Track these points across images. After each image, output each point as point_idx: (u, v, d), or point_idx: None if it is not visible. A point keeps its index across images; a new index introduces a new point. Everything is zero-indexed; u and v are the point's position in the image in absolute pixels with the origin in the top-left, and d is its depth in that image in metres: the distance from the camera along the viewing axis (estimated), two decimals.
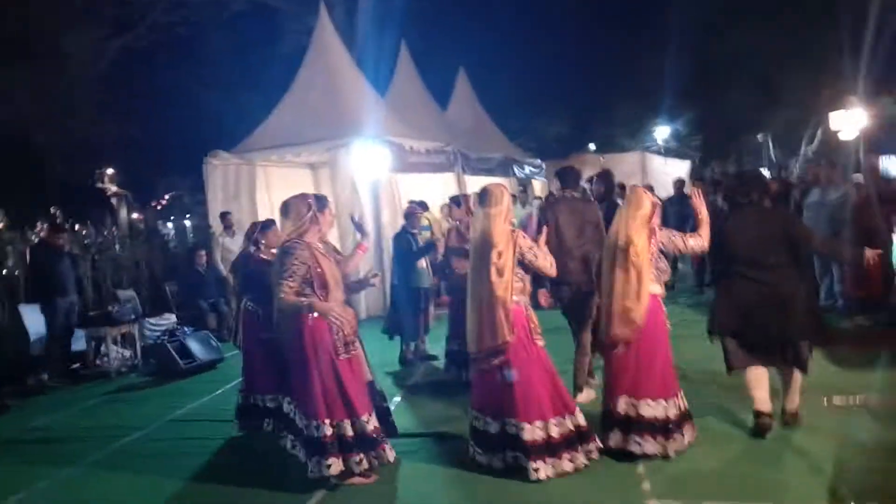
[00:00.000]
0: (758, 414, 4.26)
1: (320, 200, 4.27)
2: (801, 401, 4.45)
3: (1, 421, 6.38)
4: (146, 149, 20.06)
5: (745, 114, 20.19)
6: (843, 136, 9.10)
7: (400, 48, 14.22)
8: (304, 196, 4.23)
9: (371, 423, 4.03)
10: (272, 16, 16.11)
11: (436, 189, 12.44)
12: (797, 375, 4.35)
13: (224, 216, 10.09)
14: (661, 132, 24.00)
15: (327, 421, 3.93)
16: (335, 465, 3.91)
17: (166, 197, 24.61)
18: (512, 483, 3.89)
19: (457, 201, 6.62)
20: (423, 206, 11.09)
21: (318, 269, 3.95)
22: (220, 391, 6.75)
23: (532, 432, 3.88)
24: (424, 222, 10.76)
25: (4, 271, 9.10)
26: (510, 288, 3.94)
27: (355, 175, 9.98)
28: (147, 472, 4.68)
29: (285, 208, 4.13)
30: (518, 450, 3.93)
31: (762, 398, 4.26)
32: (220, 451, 4.97)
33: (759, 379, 4.29)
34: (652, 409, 4.05)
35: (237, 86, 16.71)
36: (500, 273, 3.92)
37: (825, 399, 4.88)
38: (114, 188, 23.31)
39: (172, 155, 16.87)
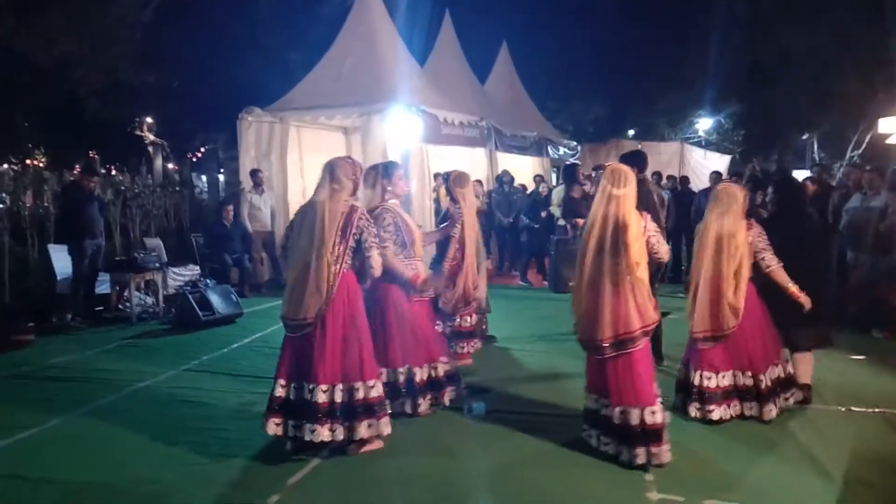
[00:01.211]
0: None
1: (388, 167, 4.74)
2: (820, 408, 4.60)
3: (22, 355, 6.53)
4: (185, 100, 20.18)
5: (792, 112, 19.58)
6: (891, 142, 8.77)
7: (444, 17, 14.03)
8: (372, 166, 4.78)
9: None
10: None
11: (465, 163, 12.34)
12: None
13: (254, 173, 10.15)
14: (703, 124, 23.43)
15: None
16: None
17: (202, 149, 24.82)
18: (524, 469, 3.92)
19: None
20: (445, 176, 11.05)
21: (407, 229, 4.57)
22: (235, 345, 6.83)
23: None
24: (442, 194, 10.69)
25: (39, 210, 9.31)
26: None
27: (387, 142, 9.93)
28: (154, 419, 4.76)
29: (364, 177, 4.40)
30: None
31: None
32: (228, 406, 5.03)
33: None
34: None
35: (279, 44, 16.64)
36: (634, 256, 3.82)
37: (842, 407, 4.82)
38: (151, 137, 23.61)
39: (210, 108, 16.87)
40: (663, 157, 18.95)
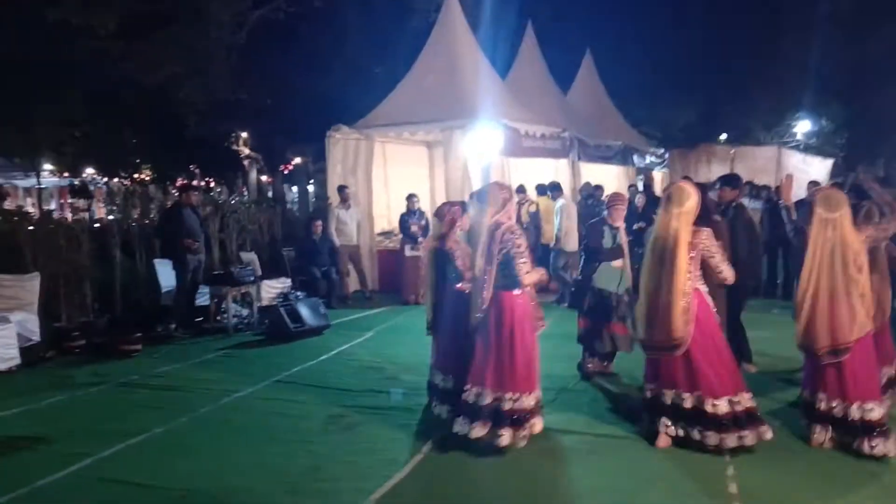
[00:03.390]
0: None
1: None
2: None
3: (131, 364, 7.03)
4: (276, 116, 21.09)
5: None
6: None
7: (526, 28, 14.04)
8: (499, 184, 4.86)
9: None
10: None
11: (548, 174, 12.29)
12: None
13: (341, 189, 10.51)
14: (802, 127, 22.20)
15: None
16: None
17: (293, 163, 25.86)
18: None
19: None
20: (522, 189, 10.97)
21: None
22: (323, 357, 7.10)
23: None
24: (532, 208, 10.66)
25: (146, 224, 10.00)
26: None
27: (468, 157, 10.05)
28: (248, 430, 5.02)
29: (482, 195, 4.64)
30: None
31: None
32: (316, 418, 5.23)
33: None
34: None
35: (365, 60, 17.14)
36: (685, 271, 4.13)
37: None
38: (247, 151, 24.82)
39: (300, 123, 17.61)
40: (759, 162, 18.08)
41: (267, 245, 11.13)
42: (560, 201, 10.03)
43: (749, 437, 4.15)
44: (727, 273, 4.29)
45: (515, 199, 4.87)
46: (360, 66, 16.78)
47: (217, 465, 4.42)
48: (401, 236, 10.48)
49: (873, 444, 4.03)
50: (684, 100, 22.26)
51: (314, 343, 7.74)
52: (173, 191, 10.88)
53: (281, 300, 8.36)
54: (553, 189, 10.40)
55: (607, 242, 5.85)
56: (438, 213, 5.07)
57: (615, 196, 6.11)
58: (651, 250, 4.27)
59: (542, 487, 3.99)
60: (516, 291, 4.41)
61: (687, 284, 4.14)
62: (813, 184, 10.37)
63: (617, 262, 5.82)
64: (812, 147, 21.38)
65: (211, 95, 19.06)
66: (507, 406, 4.29)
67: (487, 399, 4.32)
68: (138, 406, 5.67)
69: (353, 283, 10.87)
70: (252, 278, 8.73)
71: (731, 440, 4.12)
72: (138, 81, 17.13)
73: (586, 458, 4.37)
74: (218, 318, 8.67)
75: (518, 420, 4.31)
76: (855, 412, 4.10)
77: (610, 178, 14.25)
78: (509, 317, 4.37)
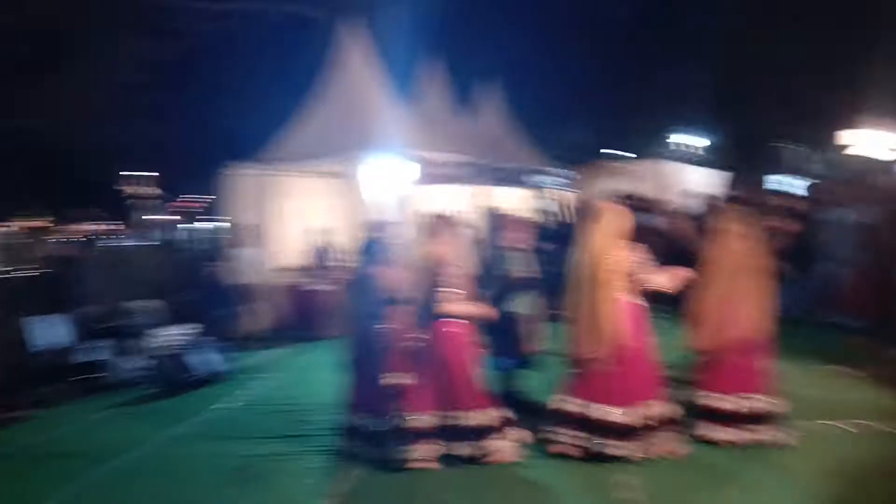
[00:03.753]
0: None
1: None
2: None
3: (15, 432, 6.38)
4: (177, 154, 20.35)
5: (777, 126, 19.62)
6: (865, 153, 8.75)
7: (428, 58, 14.12)
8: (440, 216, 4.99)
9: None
10: (305, 25, 16.17)
11: (460, 201, 12.32)
12: None
13: (241, 227, 10.12)
14: (691, 140, 23.49)
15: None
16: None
17: (193, 202, 24.97)
18: None
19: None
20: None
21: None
22: (226, 404, 6.72)
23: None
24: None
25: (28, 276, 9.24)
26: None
27: (376, 188, 9.90)
28: (143, 492, 4.63)
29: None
30: None
31: None
32: (221, 471, 4.88)
33: None
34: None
35: (265, 95, 16.79)
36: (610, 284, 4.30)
37: (822, 422, 4.88)
38: (144, 190, 23.77)
39: (200, 161, 17.04)
40: (658, 176, 18.93)
41: (165, 290, 10.51)
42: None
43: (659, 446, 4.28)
44: (659, 282, 4.40)
45: (448, 229, 4.80)
46: (260, 99, 16.42)
47: None
48: (309, 270, 10.16)
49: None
50: (587, 120, 23.08)
51: (215, 390, 7.31)
52: (58, 239, 10.15)
53: (179, 348, 7.86)
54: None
55: (511, 267, 5.75)
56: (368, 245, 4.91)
57: (509, 219, 6.01)
58: (578, 268, 4.41)
59: None
60: (449, 320, 4.48)
61: (612, 297, 4.28)
62: (709, 196, 10.78)
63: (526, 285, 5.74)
64: (702, 158, 22.59)
65: (104, 136, 18.20)
66: (452, 423, 4.46)
67: (429, 422, 4.47)
68: (18, 478, 5.11)
69: (260, 322, 10.42)
70: (145, 327, 8.19)
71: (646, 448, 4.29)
72: (29, 126, 16.18)
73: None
74: (112, 372, 8.05)
75: (465, 435, 4.46)
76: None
77: (520, 200, 14.48)
78: (444, 345, 4.48)
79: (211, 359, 7.77)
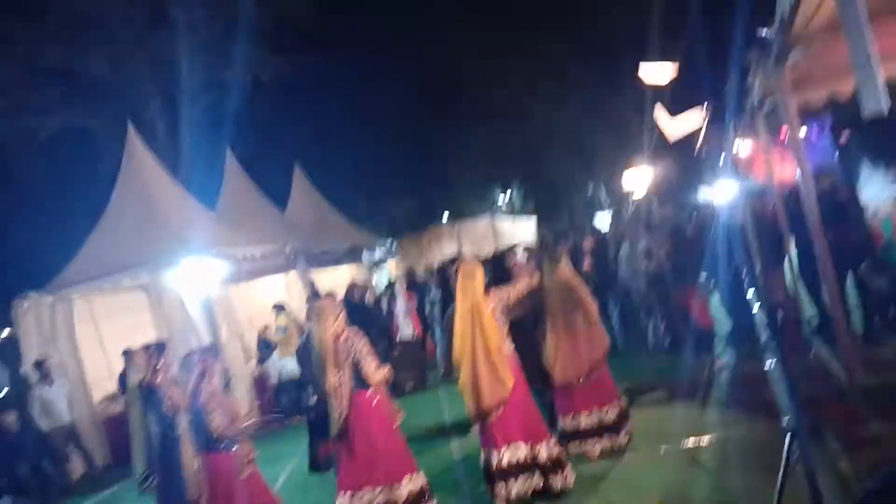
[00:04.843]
0: None
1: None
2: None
3: None
4: None
5: (570, 172, 21.69)
6: (635, 192, 9.94)
7: (226, 156, 13.89)
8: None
9: None
10: (85, 138, 15.28)
11: (279, 290, 12.06)
12: None
13: (39, 365, 9.11)
14: (506, 194, 25.15)
15: None
16: None
17: None
18: None
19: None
20: (281, 308, 10.70)
21: None
22: None
23: None
24: (281, 323, 10.31)
25: None
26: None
27: (184, 294, 9.42)
28: None
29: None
30: None
31: None
32: None
33: None
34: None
35: (51, 216, 15.55)
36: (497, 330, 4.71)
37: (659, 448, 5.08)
38: None
39: None
40: (477, 232, 19.87)
41: None
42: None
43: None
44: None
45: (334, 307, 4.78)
46: (46, 223, 15.16)
47: None
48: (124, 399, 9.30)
49: None
50: (400, 189, 23.88)
51: None
52: None
53: None
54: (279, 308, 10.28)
55: None
56: (185, 363, 4.59)
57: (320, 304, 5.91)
58: (462, 323, 4.64)
59: None
60: (370, 390, 4.51)
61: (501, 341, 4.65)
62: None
63: None
64: (516, 211, 24.21)
65: None
66: (386, 497, 4.40)
67: (368, 496, 4.39)
68: None
69: (78, 466, 9.34)
70: None
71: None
72: None
73: None
74: None
75: None
76: None
77: (343, 279, 14.47)
78: (369, 414, 4.48)
79: None
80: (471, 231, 21.23)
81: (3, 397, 9.57)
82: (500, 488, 4.53)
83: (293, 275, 12.40)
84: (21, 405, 8.84)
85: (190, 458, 4.29)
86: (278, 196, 14.98)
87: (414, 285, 11.71)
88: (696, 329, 7.26)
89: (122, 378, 9.31)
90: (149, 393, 4.99)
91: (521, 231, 20.24)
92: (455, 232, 21.39)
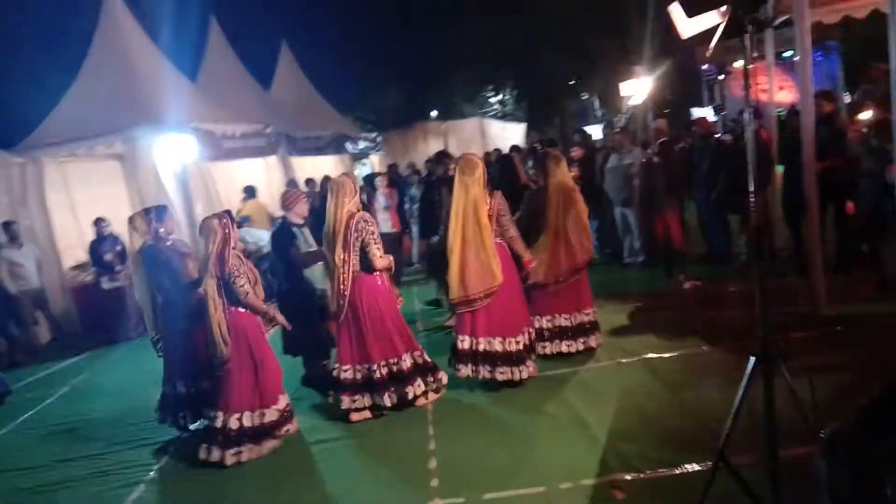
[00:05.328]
0: None
1: (159, 212, 5.13)
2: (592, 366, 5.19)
3: None
4: None
5: (565, 78, 21.00)
6: (633, 102, 9.64)
7: (210, 24, 13.17)
8: (145, 210, 5.28)
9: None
10: None
11: (259, 174, 11.81)
12: None
13: (7, 226, 8.91)
14: (495, 98, 24.46)
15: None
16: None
17: None
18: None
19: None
20: (251, 191, 10.48)
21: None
22: (2, 431, 5.97)
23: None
24: (247, 212, 10.18)
25: None
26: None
27: (159, 167, 9.16)
28: None
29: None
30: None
31: None
32: None
33: None
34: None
35: (24, 71, 14.80)
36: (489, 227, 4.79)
37: (612, 361, 5.20)
38: None
39: None
40: (466, 133, 19.49)
41: None
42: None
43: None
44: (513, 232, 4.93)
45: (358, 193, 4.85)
46: (21, 78, 14.45)
47: None
48: (95, 267, 9.23)
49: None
50: (392, 81, 23.05)
51: None
52: None
53: None
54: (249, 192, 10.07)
55: (302, 245, 5.51)
56: (204, 228, 4.50)
57: (288, 194, 5.72)
58: (456, 216, 4.75)
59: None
60: (375, 274, 4.65)
61: (492, 238, 4.76)
62: (514, 149, 11.16)
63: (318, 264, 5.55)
64: (507, 115, 23.64)
65: None
66: (388, 370, 4.64)
67: (362, 372, 4.64)
68: None
69: (45, 332, 9.37)
70: None
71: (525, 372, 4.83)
72: None
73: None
74: None
75: (402, 379, 4.64)
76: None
77: (325, 169, 14.20)
78: (372, 296, 4.63)
79: None
80: (459, 130, 20.81)
81: None
82: (465, 369, 4.86)
83: (273, 160, 12.12)
84: None
85: (215, 318, 4.29)
86: (262, 75, 14.39)
87: (396, 181, 11.53)
88: (671, 247, 7.27)
89: (93, 247, 9.24)
90: (152, 256, 4.93)
91: (509, 135, 19.88)
92: (443, 130, 20.96)
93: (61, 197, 10.40)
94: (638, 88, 9.28)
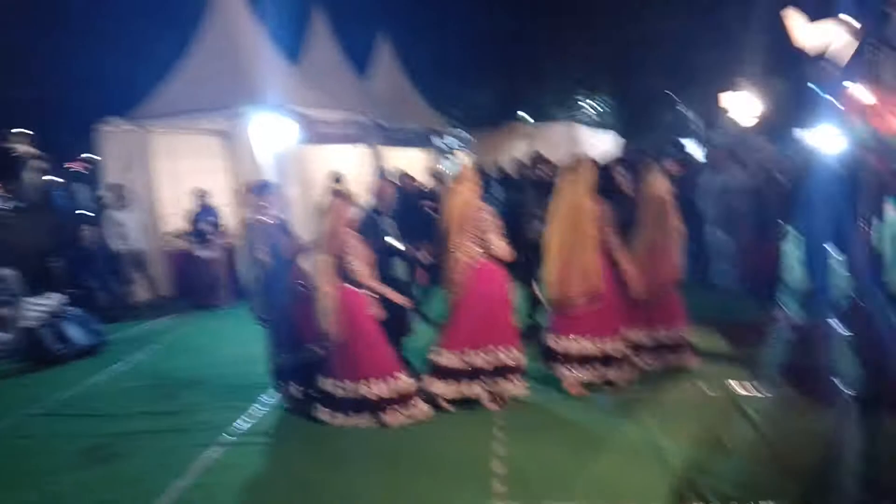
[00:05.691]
0: None
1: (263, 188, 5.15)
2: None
3: None
4: (54, 110, 18.85)
5: (663, 88, 20.33)
6: (733, 116, 9.21)
7: (313, 11, 13.57)
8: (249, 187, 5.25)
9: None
10: None
11: (350, 161, 12.06)
12: None
13: (116, 188, 9.52)
14: (589, 103, 24.02)
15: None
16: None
17: (71, 162, 23.28)
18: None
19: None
20: (339, 178, 10.71)
21: None
22: (93, 380, 6.37)
23: None
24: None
25: None
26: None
27: (256, 147, 9.52)
28: None
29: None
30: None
31: None
32: (71, 453, 4.65)
33: None
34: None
35: (145, 43, 15.67)
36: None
37: (701, 387, 5.01)
38: (23, 149, 21.87)
39: (74, 119, 15.84)
40: (554, 137, 19.28)
41: (32, 256, 9.78)
42: None
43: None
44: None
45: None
46: (140, 51, 15.32)
47: None
48: (191, 236, 9.72)
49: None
50: (485, 80, 23.04)
51: (85, 365, 6.92)
52: None
53: (46, 319, 7.38)
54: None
55: (388, 235, 5.58)
56: (321, 206, 4.78)
57: (379, 183, 5.89)
58: (559, 217, 4.87)
59: (321, 501, 3.84)
60: (493, 262, 4.74)
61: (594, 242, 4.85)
62: (618, 160, 10.97)
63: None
64: (600, 122, 23.19)
65: None
66: (489, 361, 4.74)
67: (473, 356, 4.73)
68: None
69: (142, 291, 9.95)
70: (7, 297, 7.62)
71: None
72: None
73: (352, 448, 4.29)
74: None
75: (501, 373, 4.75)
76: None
77: (412, 161, 14.38)
78: (492, 281, 4.75)
79: (83, 331, 7.33)
80: (547, 134, 20.60)
81: (84, 215, 10.06)
82: (563, 370, 4.96)
83: (363, 148, 12.37)
84: (97, 224, 9.32)
85: (325, 293, 4.52)
86: (359, 63, 14.70)
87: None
88: (770, 277, 6.92)
89: (191, 216, 9.73)
90: (256, 229, 5.10)
91: (599, 143, 19.54)
92: (530, 132, 20.81)
93: (165, 166, 10.99)
94: (740, 102, 8.89)
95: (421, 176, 12.50)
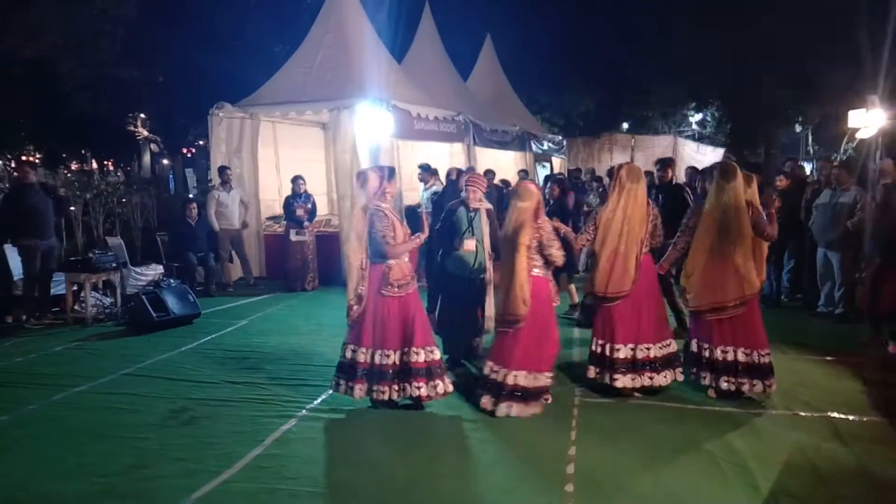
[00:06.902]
0: None
1: (392, 172, 4.95)
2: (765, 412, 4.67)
3: None
4: (174, 95, 20.03)
5: (778, 105, 19.21)
6: (861, 135, 8.50)
7: (424, 11, 13.77)
8: (377, 168, 5.04)
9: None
10: None
11: (442, 158, 12.13)
12: None
13: (222, 170, 9.98)
14: (695, 117, 23.08)
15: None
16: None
17: (196, 145, 24.69)
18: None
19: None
20: (426, 168, 10.75)
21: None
22: (184, 347, 6.68)
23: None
24: (436, 187, 10.35)
25: None
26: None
27: (356, 138, 9.73)
28: (77, 427, 4.60)
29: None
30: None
31: None
32: (156, 412, 4.86)
33: None
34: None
35: (264, 37, 16.45)
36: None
37: (789, 412, 4.67)
38: (144, 132, 23.43)
39: (198, 102, 16.80)
40: (657, 150, 18.70)
41: (140, 229, 10.44)
42: (433, 186, 9.94)
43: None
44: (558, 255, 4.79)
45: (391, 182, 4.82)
46: (258, 43, 16.07)
47: (30, 467, 4.02)
48: (290, 220, 10.03)
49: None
50: (586, 88, 22.63)
51: (178, 333, 7.26)
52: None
53: (146, 288, 7.82)
54: (423, 170, 10.29)
55: (462, 224, 5.60)
56: (360, 177, 4.81)
57: (472, 177, 5.83)
58: (616, 221, 4.88)
59: (390, 482, 3.81)
60: (545, 276, 4.78)
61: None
62: (691, 169, 10.59)
63: (469, 245, 5.56)
64: (706, 136, 22.26)
65: (97, 70, 17.87)
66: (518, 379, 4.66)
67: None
68: None
69: (236, 270, 10.38)
70: (114, 264, 8.12)
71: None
72: (17, 53, 15.84)
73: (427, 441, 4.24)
74: (76, 307, 8.04)
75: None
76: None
77: (507, 163, 14.30)
78: (540, 294, 4.71)
79: (180, 302, 7.70)
80: (649, 146, 20.06)
81: (194, 192, 10.63)
82: (611, 375, 4.87)
83: (458, 147, 12.40)
84: (202, 203, 9.81)
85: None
86: (463, 65, 14.78)
87: (573, 187, 11.29)
88: (880, 308, 6.35)
89: (288, 201, 10.03)
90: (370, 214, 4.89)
91: (704, 158, 18.77)
92: (631, 143, 20.30)
93: (269, 153, 11.46)
94: (869, 120, 8.22)
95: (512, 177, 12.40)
